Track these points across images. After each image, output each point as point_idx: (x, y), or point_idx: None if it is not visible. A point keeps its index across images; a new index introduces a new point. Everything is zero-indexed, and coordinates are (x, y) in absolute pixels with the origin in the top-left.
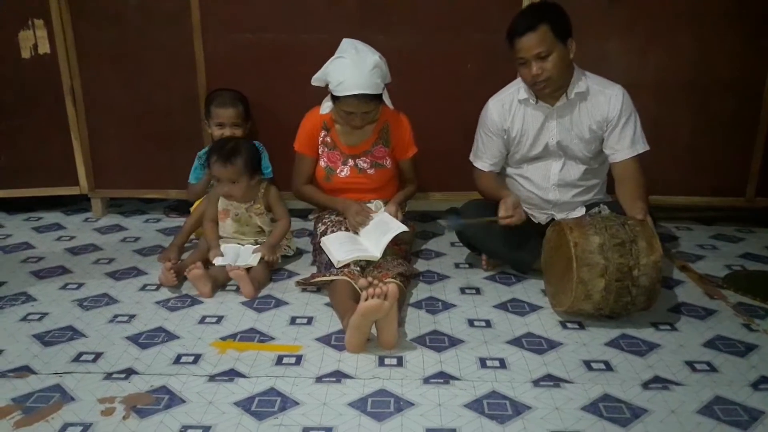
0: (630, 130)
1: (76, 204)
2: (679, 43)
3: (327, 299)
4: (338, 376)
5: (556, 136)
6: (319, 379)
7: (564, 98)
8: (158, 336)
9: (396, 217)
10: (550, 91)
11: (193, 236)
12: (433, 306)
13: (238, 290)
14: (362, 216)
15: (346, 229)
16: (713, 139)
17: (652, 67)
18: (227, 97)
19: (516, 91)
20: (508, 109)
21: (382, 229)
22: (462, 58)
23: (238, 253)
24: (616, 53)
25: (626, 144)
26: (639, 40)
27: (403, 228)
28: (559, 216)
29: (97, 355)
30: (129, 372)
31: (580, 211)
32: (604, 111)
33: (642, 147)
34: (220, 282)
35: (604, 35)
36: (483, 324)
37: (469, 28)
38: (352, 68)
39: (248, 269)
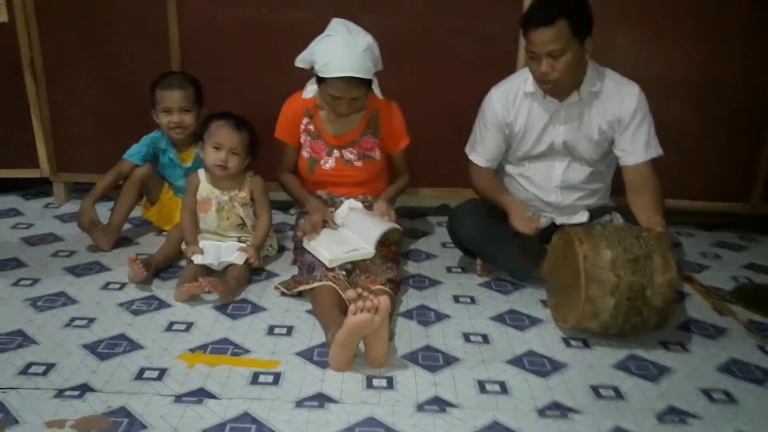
0: (644, 131)
1: (36, 187)
2: (684, 39)
3: (308, 305)
4: (321, 399)
5: (563, 135)
6: (299, 403)
7: (576, 95)
8: (119, 345)
9: (388, 214)
10: (558, 91)
11: (164, 231)
12: (425, 316)
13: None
14: (312, 228)
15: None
16: (718, 141)
17: (656, 63)
18: (174, 79)
19: (523, 81)
20: (513, 102)
21: (371, 221)
22: (458, 44)
23: (220, 251)
24: (620, 48)
25: (640, 146)
26: (643, 36)
27: (394, 225)
28: (560, 219)
29: (49, 367)
30: (84, 389)
31: (583, 216)
32: (617, 110)
33: (656, 151)
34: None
35: (608, 29)
36: (480, 339)
37: (466, 12)
38: (342, 48)
39: (226, 267)
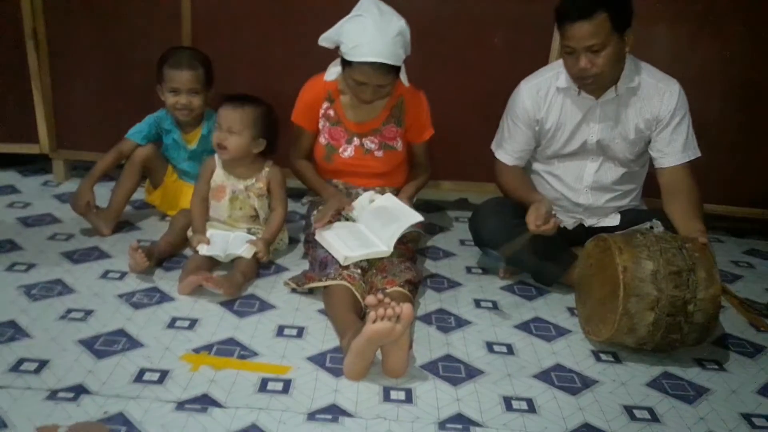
0: (683, 132)
1: (35, 164)
2: (726, 36)
3: (320, 304)
4: (334, 412)
5: (597, 134)
6: (311, 416)
7: (612, 92)
8: (118, 342)
9: None
10: (596, 87)
11: (167, 216)
12: (445, 322)
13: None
14: (323, 218)
15: (346, 219)
16: (757, 144)
17: (697, 59)
18: (184, 57)
19: (555, 76)
20: (544, 97)
21: (391, 217)
22: (489, 27)
23: (228, 242)
24: (658, 42)
25: (677, 147)
26: (684, 30)
27: (418, 217)
28: (588, 222)
29: (42, 364)
30: (79, 390)
31: (614, 219)
32: (655, 108)
33: (694, 153)
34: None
35: (646, 22)
36: (504, 350)
37: None
38: (373, 31)
39: (233, 260)
